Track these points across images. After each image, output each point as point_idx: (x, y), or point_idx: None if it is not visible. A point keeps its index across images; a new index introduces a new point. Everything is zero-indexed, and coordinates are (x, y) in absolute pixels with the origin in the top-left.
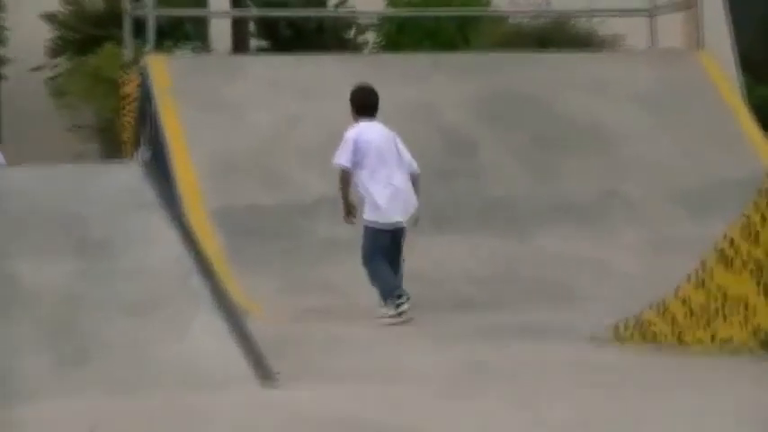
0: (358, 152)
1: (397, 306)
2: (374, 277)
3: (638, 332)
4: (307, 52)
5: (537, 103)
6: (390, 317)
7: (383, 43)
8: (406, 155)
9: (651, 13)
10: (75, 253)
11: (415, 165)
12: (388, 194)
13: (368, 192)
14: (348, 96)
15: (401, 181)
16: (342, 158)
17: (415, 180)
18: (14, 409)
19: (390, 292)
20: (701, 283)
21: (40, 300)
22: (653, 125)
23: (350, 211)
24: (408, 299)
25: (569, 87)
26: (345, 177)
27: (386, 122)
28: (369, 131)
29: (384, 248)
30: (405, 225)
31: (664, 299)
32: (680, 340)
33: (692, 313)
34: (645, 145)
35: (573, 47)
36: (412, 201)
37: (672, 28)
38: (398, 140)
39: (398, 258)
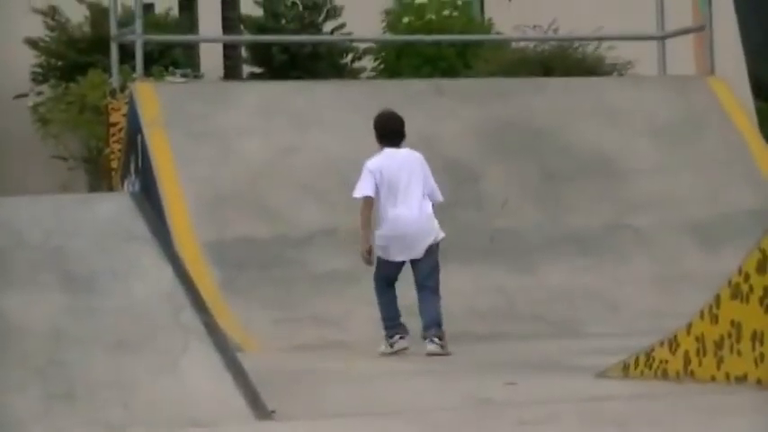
0: (377, 181)
1: (390, 345)
2: (378, 303)
3: (648, 368)
4: (301, 78)
5: (543, 130)
6: (382, 353)
7: (381, 69)
8: (430, 182)
9: (661, 37)
10: (62, 287)
11: (438, 194)
12: (389, 235)
13: (377, 224)
14: (344, 125)
15: (409, 217)
16: (362, 190)
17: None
18: None
19: (386, 323)
20: (715, 319)
21: (26, 335)
22: (663, 154)
23: (369, 249)
24: (403, 336)
25: (576, 115)
26: (367, 206)
27: None
28: (383, 162)
29: (389, 278)
30: (417, 257)
31: (675, 334)
32: (692, 377)
33: (704, 350)
34: (654, 175)
35: (579, 73)
36: (420, 237)
37: (682, 53)
38: (425, 166)
39: (425, 288)
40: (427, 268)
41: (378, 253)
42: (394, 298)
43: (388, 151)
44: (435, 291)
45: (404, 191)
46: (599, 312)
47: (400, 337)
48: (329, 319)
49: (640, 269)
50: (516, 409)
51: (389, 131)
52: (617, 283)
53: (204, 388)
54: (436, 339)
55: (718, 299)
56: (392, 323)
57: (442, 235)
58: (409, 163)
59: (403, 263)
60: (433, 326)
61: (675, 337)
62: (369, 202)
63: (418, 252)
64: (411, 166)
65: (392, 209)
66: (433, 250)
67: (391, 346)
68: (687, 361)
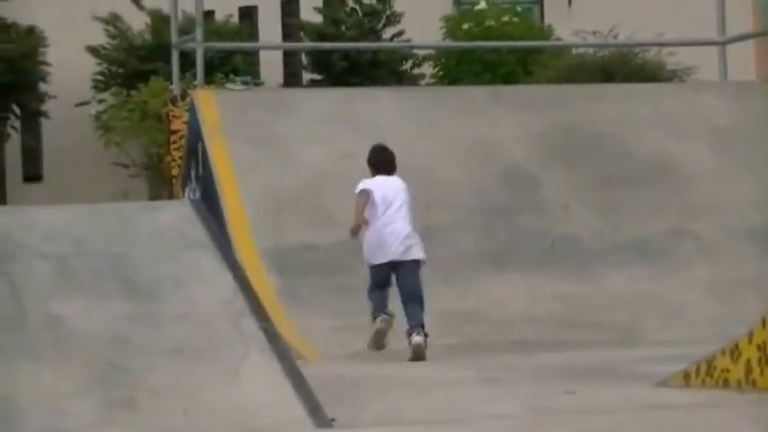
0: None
1: (373, 320)
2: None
3: (709, 377)
4: (361, 85)
5: (602, 136)
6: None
7: (441, 75)
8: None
9: (721, 43)
10: (123, 294)
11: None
12: (376, 241)
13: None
14: (404, 131)
15: (402, 230)
16: (366, 188)
17: None
18: None
19: (375, 311)
20: None
21: (87, 342)
22: (723, 160)
23: (357, 228)
24: (384, 318)
25: (635, 121)
26: (362, 200)
27: (443, 158)
28: (378, 182)
29: (381, 283)
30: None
31: (736, 342)
32: (754, 387)
33: (766, 358)
34: (714, 181)
35: (639, 79)
36: (408, 242)
37: (744, 58)
38: (409, 192)
39: (413, 301)
40: (416, 282)
41: (370, 262)
42: (381, 293)
43: (381, 177)
44: (421, 303)
45: (396, 209)
46: (659, 319)
47: (382, 319)
48: None
49: (700, 276)
50: (575, 417)
51: (380, 162)
52: (677, 289)
53: (264, 395)
54: (421, 330)
55: None
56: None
57: (424, 256)
58: (401, 189)
59: (391, 266)
60: (418, 325)
61: (737, 345)
62: (366, 193)
63: (406, 255)
64: (402, 192)
65: (384, 223)
66: (419, 266)
67: (373, 320)
68: (749, 370)
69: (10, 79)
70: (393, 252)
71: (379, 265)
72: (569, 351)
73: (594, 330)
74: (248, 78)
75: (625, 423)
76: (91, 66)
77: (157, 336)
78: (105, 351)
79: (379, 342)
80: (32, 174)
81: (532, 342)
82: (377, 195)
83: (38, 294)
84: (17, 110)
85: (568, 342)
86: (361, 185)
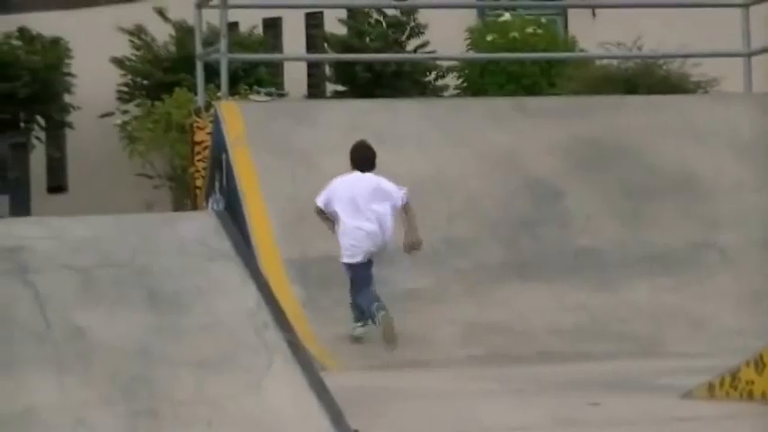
0: (333, 196)
1: (354, 329)
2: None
3: (733, 389)
4: (385, 97)
5: (626, 148)
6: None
7: (465, 86)
8: (392, 194)
9: (747, 54)
10: (147, 305)
11: (398, 197)
12: (352, 241)
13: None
14: (428, 143)
15: (369, 225)
16: (319, 199)
17: (407, 210)
18: None
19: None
20: None
21: (111, 352)
22: (747, 172)
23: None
24: (364, 324)
25: (659, 132)
26: (319, 214)
27: (467, 169)
28: (348, 181)
29: (366, 279)
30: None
31: (761, 354)
32: None
33: None
34: (738, 193)
35: (663, 91)
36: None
37: None
38: (382, 183)
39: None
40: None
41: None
42: (368, 293)
43: (355, 174)
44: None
45: (364, 207)
46: (683, 331)
47: (363, 324)
48: (411, 337)
49: (724, 287)
50: (600, 429)
51: (360, 159)
52: (701, 301)
53: (288, 407)
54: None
55: None
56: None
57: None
58: (370, 184)
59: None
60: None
61: (761, 356)
62: (321, 210)
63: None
64: (371, 187)
65: (354, 219)
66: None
67: (354, 329)
68: None
69: (35, 90)
70: (366, 251)
71: (361, 264)
72: (593, 362)
73: (618, 342)
74: (272, 90)
75: None
76: (115, 77)
77: (181, 347)
78: (129, 362)
79: (390, 333)
80: (57, 184)
81: (556, 353)
82: (343, 197)
83: (62, 305)
84: (42, 121)
85: (592, 353)
86: (324, 193)
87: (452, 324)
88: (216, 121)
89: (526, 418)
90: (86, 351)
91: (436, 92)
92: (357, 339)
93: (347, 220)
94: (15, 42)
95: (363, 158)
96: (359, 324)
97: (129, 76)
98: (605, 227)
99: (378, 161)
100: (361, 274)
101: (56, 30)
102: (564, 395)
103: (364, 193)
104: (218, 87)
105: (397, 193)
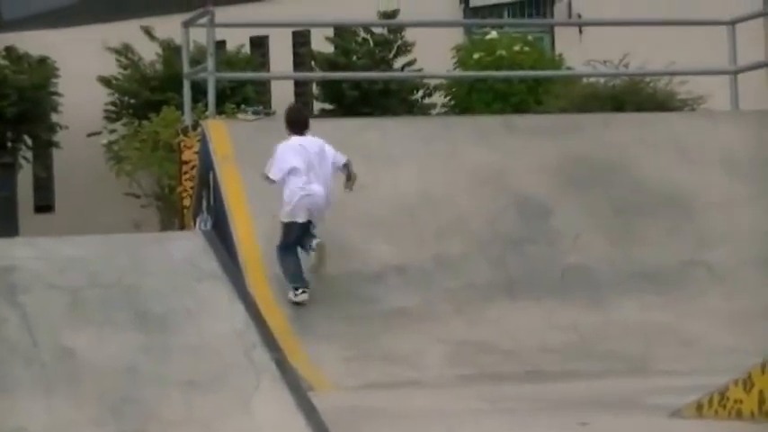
0: (285, 163)
1: (295, 296)
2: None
3: (722, 408)
4: (372, 115)
5: (614, 166)
6: (292, 301)
7: (452, 105)
8: (332, 157)
9: (733, 72)
10: (135, 326)
11: (340, 158)
12: (298, 200)
13: (285, 194)
14: (415, 161)
15: (318, 188)
16: (272, 172)
17: (347, 167)
18: None
19: (293, 279)
20: None
21: (99, 373)
22: (735, 189)
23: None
24: (305, 290)
25: (647, 150)
26: (271, 184)
27: (455, 187)
28: (294, 145)
29: (299, 239)
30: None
31: (750, 373)
32: (767, 418)
33: None
34: (727, 210)
35: (650, 108)
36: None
37: (756, 88)
38: (326, 147)
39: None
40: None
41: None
42: (298, 258)
43: (297, 137)
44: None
45: (314, 167)
46: (673, 349)
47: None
48: (400, 356)
49: (714, 305)
50: None
51: (298, 120)
52: (690, 319)
53: (276, 427)
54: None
55: None
56: (298, 280)
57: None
58: (315, 145)
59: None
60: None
61: (750, 375)
62: (270, 182)
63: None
64: (318, 148)
65: (304, 178)
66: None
67: (296, 296)
68: (762, 401)
69: (22, 110)
70: (309, 210)
71: (301, 224)
72: (583, 381)
73: (608, 360)
74: (260, 108)
75: None
76: (103, 96)
77: (170, 367)
78: (118, 382)
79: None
80: (44, 204)
81: (546, 372)
82: (294, 161)
83: (50, 326)
84: (29, 140)
85: (582, 372)
86: (276, 165)
87: (441, 343)
88: (203, 140)
89: None
90: (75, 371)
91: (424, 110)
92: (299, 304)
93: (298, 182)
94: (2, 62)
95: (301, 120)
96: (299, 290)
97: (117, 95)
98: (594, 245)
99: (367, 179)
100: (297, 233)
101: (43, 49)
102: (553, 414)
103: (313, 156)
104: (206, 106)
105: (337, 153)
